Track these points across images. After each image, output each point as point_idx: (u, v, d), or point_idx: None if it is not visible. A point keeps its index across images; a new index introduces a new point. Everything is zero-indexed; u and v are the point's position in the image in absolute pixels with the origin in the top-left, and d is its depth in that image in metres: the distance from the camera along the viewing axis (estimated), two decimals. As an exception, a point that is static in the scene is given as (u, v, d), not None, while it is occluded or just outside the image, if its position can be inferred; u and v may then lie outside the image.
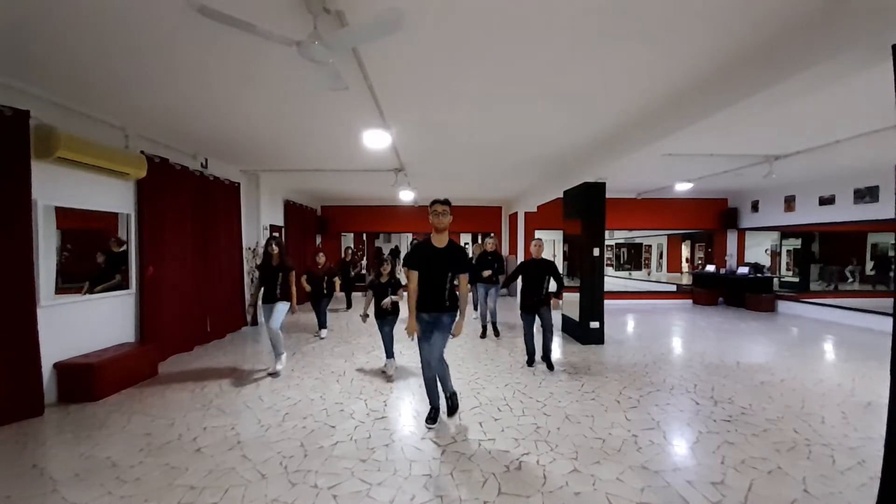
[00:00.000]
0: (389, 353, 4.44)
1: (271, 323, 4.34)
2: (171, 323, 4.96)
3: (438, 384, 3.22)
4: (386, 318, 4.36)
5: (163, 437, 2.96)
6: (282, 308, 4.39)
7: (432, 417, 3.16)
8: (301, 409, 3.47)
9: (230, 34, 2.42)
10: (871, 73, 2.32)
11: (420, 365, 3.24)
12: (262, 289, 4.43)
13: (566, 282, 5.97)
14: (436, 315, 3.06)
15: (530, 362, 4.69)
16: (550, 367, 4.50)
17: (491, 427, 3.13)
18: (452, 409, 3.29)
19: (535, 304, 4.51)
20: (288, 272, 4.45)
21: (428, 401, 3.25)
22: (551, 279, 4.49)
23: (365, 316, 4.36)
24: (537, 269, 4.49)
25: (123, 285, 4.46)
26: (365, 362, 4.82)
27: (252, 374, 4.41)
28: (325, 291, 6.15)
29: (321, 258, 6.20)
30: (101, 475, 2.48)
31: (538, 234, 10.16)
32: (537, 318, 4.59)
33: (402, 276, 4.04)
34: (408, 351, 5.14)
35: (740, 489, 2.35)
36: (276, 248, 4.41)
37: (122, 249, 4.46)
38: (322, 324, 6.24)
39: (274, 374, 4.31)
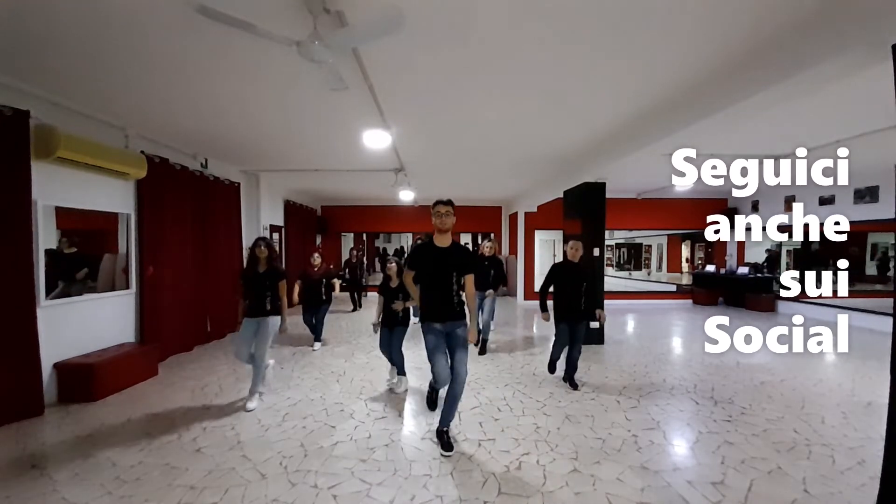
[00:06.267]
0: (399, 369, 3.97)
1: (257, 348, 3.49)
2: (171, 323, 4.96)
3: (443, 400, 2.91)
4: (394, 327, 3.90)
5: (163, 437, 2.95)
6: (272, 326, 3.55)
7: (433, 399, 3.29)
8: (301, 409, 3.47)
9: (230, 34, 2.41)
10: (872, 73, 2.32)
11: (434, 381, 2.96)
12: (247, 301, 3.55)
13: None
14: (451, 325, 2.80)
15: (552, 369, 4.24)
16: (574, 385, 3.97)
17: (491, 427, 3.13)
18: (447, 445, 2.78)
19: (572, 315, 3.92)
20: (279, 280, 3.59)
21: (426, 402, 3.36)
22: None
23: (377, 325, 3.95)
24: (572, 275, 3.94)
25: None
26: (365, 362, 4.82)
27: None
28: (323, 297, 5.46)
29: (317, 259, 5.49)
30: (101, 475, 2.47)
31: (539, 234, 10.16)
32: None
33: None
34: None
35: (740, 489, 2.35)
36: (265, 251, 3.59)
37: (73, 251, 3.95)
38: (318, 335, 5.53)
39: (245, 409, 3.44)
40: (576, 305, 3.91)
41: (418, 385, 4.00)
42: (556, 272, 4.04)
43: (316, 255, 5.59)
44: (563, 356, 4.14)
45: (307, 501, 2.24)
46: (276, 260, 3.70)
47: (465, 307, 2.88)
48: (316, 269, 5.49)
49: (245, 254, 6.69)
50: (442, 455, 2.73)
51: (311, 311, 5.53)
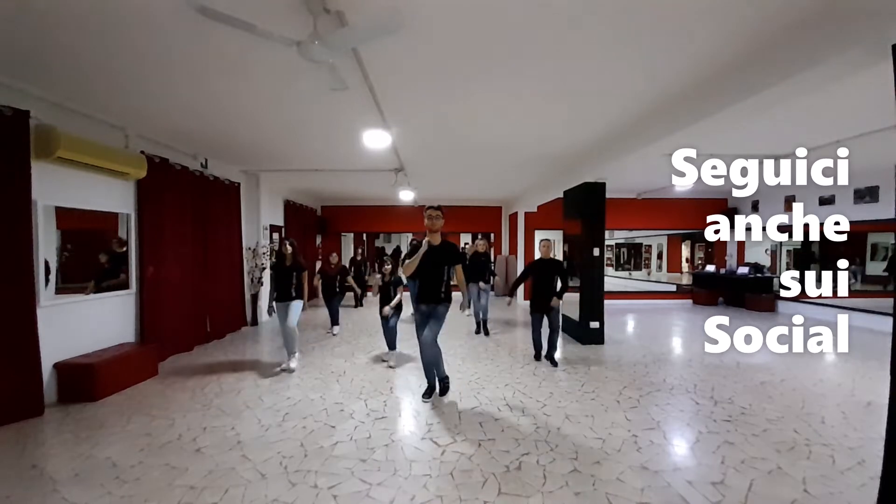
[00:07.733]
0: (392, 346, 4.83)
1: (288, 322, 4.44)
2: (171, 323, 4.96)
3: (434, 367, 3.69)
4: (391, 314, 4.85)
5: (163, 437, 2.95)
6: (297, 306, 4.51)
7: (427, 393, 3.68)
8: (301, 409, 3.47)
9: (230, 34, 2.41)
10: (872, 73, 2.32)
11: (419, 352, 3.69)
12: (277, 288, 4.52)
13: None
14: (433, 306, 3.58)
15: (538, 356, 4.88)
16: (554, 363, 4.68)
17: (491, 427, 3.13)
18: (444, 389, 3.76)
19: (544, 304, 4.60)
20: (301, 271, 4.54)
21: (426, 379, 3.75)
22: (558, 279, 4.62)
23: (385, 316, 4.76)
24: (545, 270, 4.58)
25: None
26: (365, 362, 4.83)
27: (252, 374, 4.41)
28: (337, 290, 6.36)
29: (335, 258, 6.46)
30: (101, 475, 2.47)
31: (539, 234, 10.15)
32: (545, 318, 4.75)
33: (401, 274, 4.45)
34: (407, 343, 5.16)
35: (740, 489, 2.34)
36: (289, 248, 4.51)
37: (123, 250, 4.52)
38: (335, 321, 6.45)
39: (288, 371, 4.42)
40: (548, 297, 4.56)
41: (417, 384, 4.01)
42: (531, 268, 4.76)
43: (334, 254, 6.59)
44: (544, 343, 4.85)
45: (307, 501, 2.24)
46: (299, 255, 4.62)
47: (451, 294, 3.62)
48: (333, 266, 6.37)
49: (245, 254, 6.83)
50: (439, 396, 3.69)
51: (327, 302, 6.46)
